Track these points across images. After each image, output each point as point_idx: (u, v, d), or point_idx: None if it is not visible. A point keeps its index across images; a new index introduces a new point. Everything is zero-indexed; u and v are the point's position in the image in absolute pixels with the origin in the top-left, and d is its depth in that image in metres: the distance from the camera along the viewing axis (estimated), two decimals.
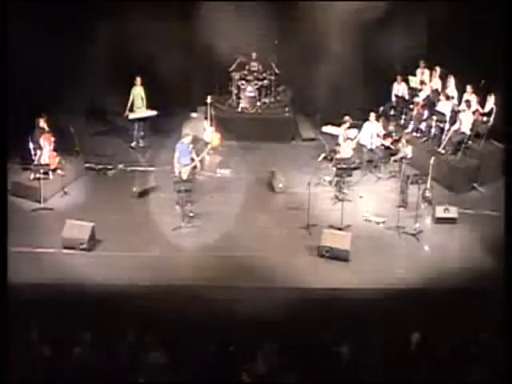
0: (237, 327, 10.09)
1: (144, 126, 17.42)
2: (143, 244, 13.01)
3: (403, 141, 15.07)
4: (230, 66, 18.23)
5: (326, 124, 17.74)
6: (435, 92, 16.97)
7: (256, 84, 18.34)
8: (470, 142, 15.82)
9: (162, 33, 17.33)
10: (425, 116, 16.81)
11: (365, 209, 14.58)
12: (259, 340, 8.90)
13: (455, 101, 16.42)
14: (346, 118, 15.84)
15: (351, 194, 15.08)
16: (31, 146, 14.76)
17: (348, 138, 15.81)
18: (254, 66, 18.43)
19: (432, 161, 14.24)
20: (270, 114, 18.52)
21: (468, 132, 15.71)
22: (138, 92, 16.97)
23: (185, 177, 13.83)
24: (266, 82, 18.50)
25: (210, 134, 17.22)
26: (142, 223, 13.69)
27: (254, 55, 18.40)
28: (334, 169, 14.73)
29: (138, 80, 16.86)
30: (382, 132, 15.97)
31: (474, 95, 16.02)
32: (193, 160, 13.98)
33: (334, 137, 16.37)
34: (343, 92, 17.75)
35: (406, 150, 14.77)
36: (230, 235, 13.40)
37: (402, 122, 17.37)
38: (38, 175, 14.23)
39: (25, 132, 14.86)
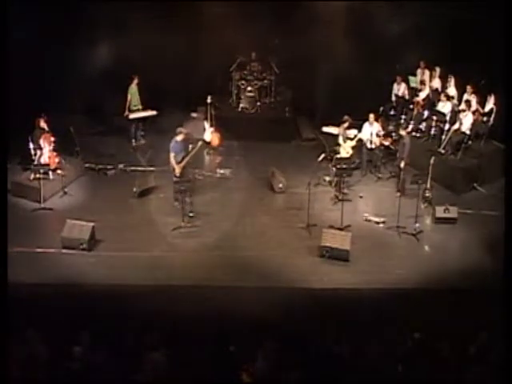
0: (237, 327, 10.08)
1: (144, 126, 17.47)
2: (143, 244, 13.01)
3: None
4: (230, 66, 18.23)
5: (326, 124, 17.75)
6: (435, 92, 16.98)
7: (256, 84, 18.35)
8: (470, 142, 15.82)
9: (162, 33, 17.33)
10: (425, 116, 16.82)
11: (365, 209, 14.60)
12: (259, 340, 8.89)
13: (455, 101, 16.43)
14: (346, 117, 15.84)
15: (351, 193, 15.09)
16: (31, 146, 14.77)
17: (348, 138, 15.83)
18: (254, 66, 18.45)
19: (432, 161, 14.24)
20: (269, 114, 18.52)
21: (468, 132, 15.71)
22: (134, 91, 17.02)
23: (177, 174, 13.84)
24: (265, 81, 18.51)
25: (210, 134, 17.25)
26: (142, 223, 13.70)
27: (253, 55, 18.41)
28: (334, 169, 14.73)
29: (134, 78, 16.88)
30: (382, 132, 15.97)
31: (473, 95, 16.03)
32: (184, 157, 14.00)
33: (334, 137, 16.38)
34: (343, 92, 17.77)
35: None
36: (230, 235, 13.42)
37: (402, 121, 17.38)
38: (38, 175, 14.24)
39: (25, 132, 14.87)
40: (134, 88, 17.01)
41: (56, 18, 17.01)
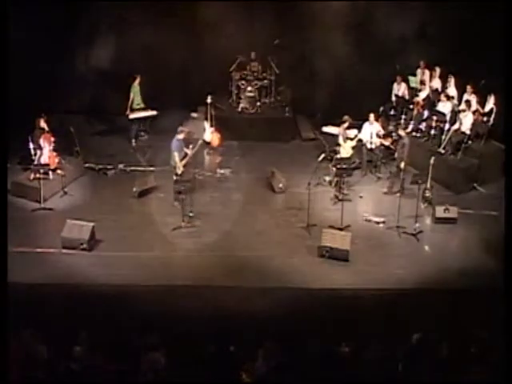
0: (237, 327, 10.09)
1: (144, 126, 17.49)
2: (143, 244, 13.01)
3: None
4: (230, 66, 18.22)
5: (326, 124, 17.74)
6: (435, 92, 16.97)
7: (256, 84, 18.33)
8: (469, 142, 15.81)
9: (162, 33, 17.34)
10: (425, 116, 16.82)
11: (365, 209, 14.59)
12: (259, 340, 8.90)
13: (455, 101, 16.42)
14: (346, 117, 15.83)
15: (351, 193, 15.08)
16: (31, 145, 14.78)
17: (348, 138, 15.82)
18: (254, 66, 18.43)
19: (432, 161, 14.23)
20: (269, 114, 18.51)
21: (468, 132, 15.70)
22: (136, 90, 17.05)
23: (179, 172, 13.86)
24: (265, 81, 18.49)
25: (210, 134, 17.25)
26: (142, 223, 13.70)
27: (253, 55, 18.40)
28: (334, 169, 14.73)
29: (136, 78, 16.91)
30: (382, 132, 15.97)
31: (473, 95, 16.02)
32: (186, 155, 14.01)
33: (334, 137, 16.37)
34: (343, 92, 17.77)
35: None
36: (230, 235, 13.42)
37: (402, 121, 17.37)
38: (38, 175, 14.24)
39: (25, 132, 14.87)
40: (136, 87, 17.07)
41: (56, 17, 17.02)
